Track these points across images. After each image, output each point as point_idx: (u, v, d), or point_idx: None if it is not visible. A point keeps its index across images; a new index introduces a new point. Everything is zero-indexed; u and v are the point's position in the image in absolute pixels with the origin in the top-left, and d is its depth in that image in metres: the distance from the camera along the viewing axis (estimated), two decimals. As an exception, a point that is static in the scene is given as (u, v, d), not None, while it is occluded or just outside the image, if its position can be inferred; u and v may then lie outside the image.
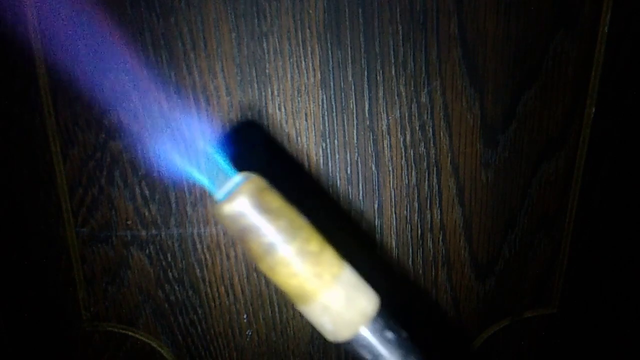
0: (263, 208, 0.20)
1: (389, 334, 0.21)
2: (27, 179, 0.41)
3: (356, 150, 0.41)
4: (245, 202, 0.20)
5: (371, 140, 0.41)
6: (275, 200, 0.21)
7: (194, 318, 0.45)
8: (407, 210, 0.44)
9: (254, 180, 0.21)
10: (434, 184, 0.43)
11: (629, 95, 0.45)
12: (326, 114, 0.40)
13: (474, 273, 0.47)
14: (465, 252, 0.46)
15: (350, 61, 0.39)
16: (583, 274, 0.50)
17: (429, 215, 0.44)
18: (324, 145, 0.41)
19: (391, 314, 0.22)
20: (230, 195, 0.20)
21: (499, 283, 0.48)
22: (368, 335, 0.21)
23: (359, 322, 0.21)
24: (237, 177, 0.21)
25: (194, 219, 0.42)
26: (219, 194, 0.21)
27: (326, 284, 0.21)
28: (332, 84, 0.40)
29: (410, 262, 0.45)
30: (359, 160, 0.42)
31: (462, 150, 0.43)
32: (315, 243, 0.21)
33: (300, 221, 0.21)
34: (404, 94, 0.41)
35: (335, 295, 0.21)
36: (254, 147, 0.41)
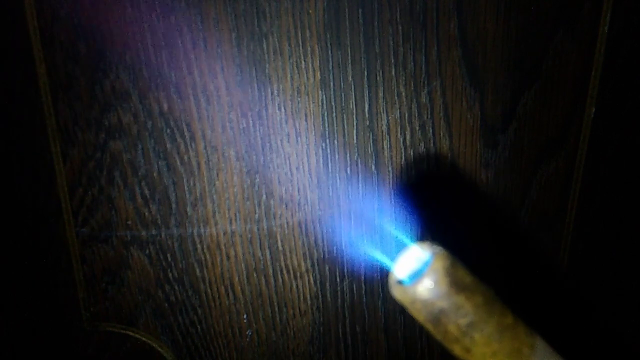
0: (459, 286, 0.18)
1: None
2: (27, 179, 0.41)
3: (356, 150, 0.41)
4: (443, 282, 0.17)
5: (371, 140, 0.41)
6: (466, 275, 0.18)
7: (194, 318, 0.45)
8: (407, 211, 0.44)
9: (444, 256, 0.18)
10: (434, 184, 0.43)
11: (629, 95, 0.45)
12: (326, 114, 0.40)
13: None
14: (465, 252, 0.46)
15: (350, 61, 0.39)
16: (583, 274, 0.50)
17: (429, 215, 0.44)
18: (323, 145, 0.41)
19: None
20: (422, 276, 0.18)
21: (499, 283, 0.48)
22: None
23: None
24: (420, 251, 0.18)
25: (194, 219, 0.42)
26: (400, 273, 0.18)
27: (526, 358, 0.19)
28: (332, 84, 0.40)
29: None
30: (358, 160, 0.42)
31: (462, 150, 0.43)
32: (510, 315, 0.19)
33: (491, 293, 0.19)
34: (404, 94, 0.41)
35: None
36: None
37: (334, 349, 0.47)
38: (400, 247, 0.19)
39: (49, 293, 0.44)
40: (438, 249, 0.18)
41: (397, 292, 0.19)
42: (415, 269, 0.18)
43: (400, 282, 0.18)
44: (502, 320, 0.18)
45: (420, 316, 0.18)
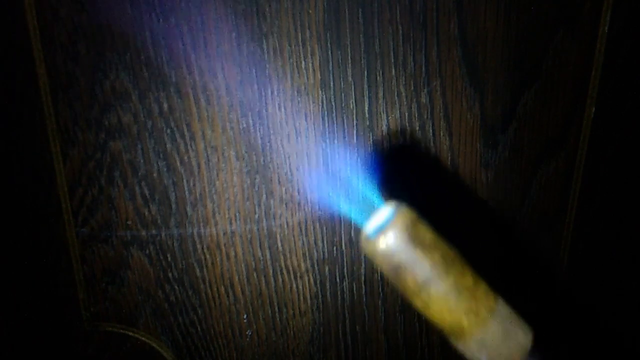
0: (418, 242, 0.19)
1: None
2: (27, 179, 0.41)
3: (356, 150, 0.41)
4: (401, 236, 0.19)
5: (371, 140, 0.41)
6: (427, 232, 0.19)
7: (194, 318, 0.45)
8: (407, 210, 0.44)
9: (406, 212, 0.19)
10: (434, 184, 0.43)
11: (629, 95, 0.45)
12: (326, 114, 0.40)
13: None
14: (465, 252, 0.46)
15: (350, 61, 0.39)
16: (583, 274, 0.50)
17: (429, 215, 0.44)
18: (324, 145, 0.41)
19: (545, 346, 0.21)
20: (383, 230, 0.19)
21: (499, 283, 0.48)
22: None
23: (517, 356, 0.20)
24: (386, 209, 0.19)
25: (194, 219, 0.42)
26: (368, 228, 0.20)
27: (483, 319, 0.20)
28: (332, 84, 0.40)
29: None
30: (358, 160, 0.42)
31: (462, 150, 0.43)
32: (469, 276, 0.20)
33: (453, 253, 0.20)
34: (404, 94, 0.41)
35: (492, 331, 0.20)
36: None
37: (334, 349, 0.47)
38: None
39: (49, 293, 0.44)
40: (402, 206, 0.20)
41: (362, 245, 0.20)
42: (380, 224, 0.19)
43: (366, 236, 0.20)
44: (459, 280, 0.19)
45: (382, 268, 0.19)
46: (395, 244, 0.19)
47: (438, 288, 0.19)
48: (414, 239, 0.19)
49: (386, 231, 0.19)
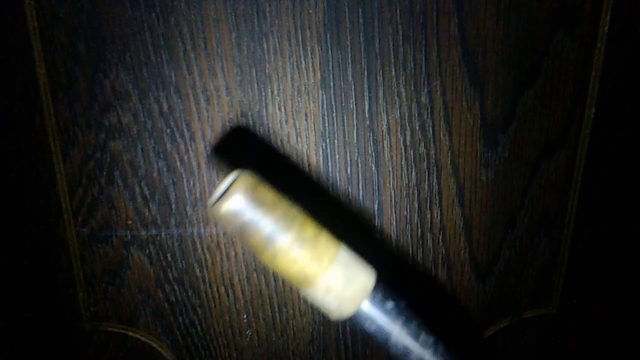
0: (257, 202, 0.21)
1: (389, 304, 0.22)
2: (27, 179, 0.41)
3: (356, 150, 0.41)
4: (240, 198, 0.20)
5: (371, 140, 0.41)
6: (268, 193, 0.21)
7: (194, 318, 0.45)
8: (407, 210, 0.44)
9: (245, 177, 0.21)
10: (434, 184, 0.43)
11: (629, 95, 0.45)
12: (326, 114, 0.40)
13: (474, 273, 0.47)
14: (465, 253, 0.46)
15: (350, 61, 0.39)
16: (583, 274, 0.50)
17: (429, 215, 0.44)
18: (324, 145, 0.41)
19: (388, 285, 0.23)
20: (224, 195, 0.21)
21: (499, 283, 0.48)
22: (370, 308, 0.22)
23: (360, 297, 0.22)
24: (229, 176, 0.21)
25: (194, 219, 0.42)
26: (213, 197, 0.22)
27: (325, 266, 0.22)
28: (332, 84, 0.40)
29: (410, 262, 0.45)
30: (359, 160, 0.42)
31: (462, 150, 0.43)
32: (310, 229, 0.22)
33: (294, 210, 0.22)
34: (404, 94, 0.41)
35: (335, 276, 0.22)
36: (251, 151, 0.41)
37: (334, 349, 0.47)
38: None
39: (49, 293, 0.44)
40: (244, 172, 0.21)
41: (208, 212, 0.22)
42: (223, 191, 0.21)
43: (211, 203, 0.21)
44: (300, 233, 0.21)
45: (229, 230, 0.22)
46: (236, 206, 0.20)
47: (282, 242, 0.21)
48: (255, 200, 0.20)
49: (227, 195, 0.20)
